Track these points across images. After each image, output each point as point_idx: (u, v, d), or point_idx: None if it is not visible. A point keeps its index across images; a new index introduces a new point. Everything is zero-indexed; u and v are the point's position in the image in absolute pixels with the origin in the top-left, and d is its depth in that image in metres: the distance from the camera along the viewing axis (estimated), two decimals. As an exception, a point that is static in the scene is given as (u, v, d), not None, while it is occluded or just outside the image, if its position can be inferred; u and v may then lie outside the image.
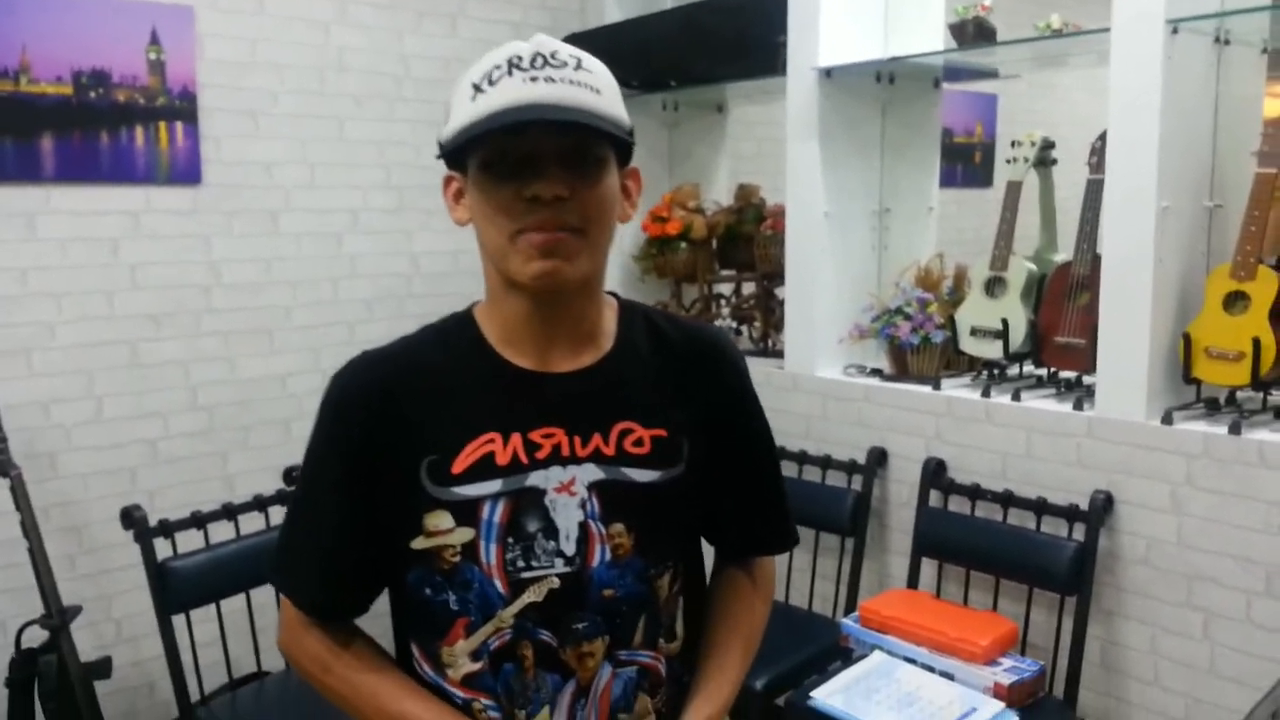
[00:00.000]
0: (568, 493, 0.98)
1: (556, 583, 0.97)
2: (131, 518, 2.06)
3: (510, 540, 0.97)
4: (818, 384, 2.56)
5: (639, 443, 1.01)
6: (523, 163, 0.92)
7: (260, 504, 2.28)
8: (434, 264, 2.99)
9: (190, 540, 2.17)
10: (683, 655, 1.07)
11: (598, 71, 0.96)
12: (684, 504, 1.04)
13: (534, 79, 0.91)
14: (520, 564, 0.97)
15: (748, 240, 2.90)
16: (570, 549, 0.98)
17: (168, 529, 2.12)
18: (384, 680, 1.01)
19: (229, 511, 2.23)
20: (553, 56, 0.93)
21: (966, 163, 4.30)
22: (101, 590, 2.43)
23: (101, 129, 2.46)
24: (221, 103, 2.59)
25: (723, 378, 1.10)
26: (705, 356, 1.09)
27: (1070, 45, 2.29)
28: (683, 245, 2.94)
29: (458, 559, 0.97)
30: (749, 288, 3.00)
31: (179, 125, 2.57)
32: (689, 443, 1.04)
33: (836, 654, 2.13)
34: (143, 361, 2.49)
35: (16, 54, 2.33)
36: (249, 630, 2.21)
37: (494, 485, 0.97)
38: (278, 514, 2.34)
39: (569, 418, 1.00)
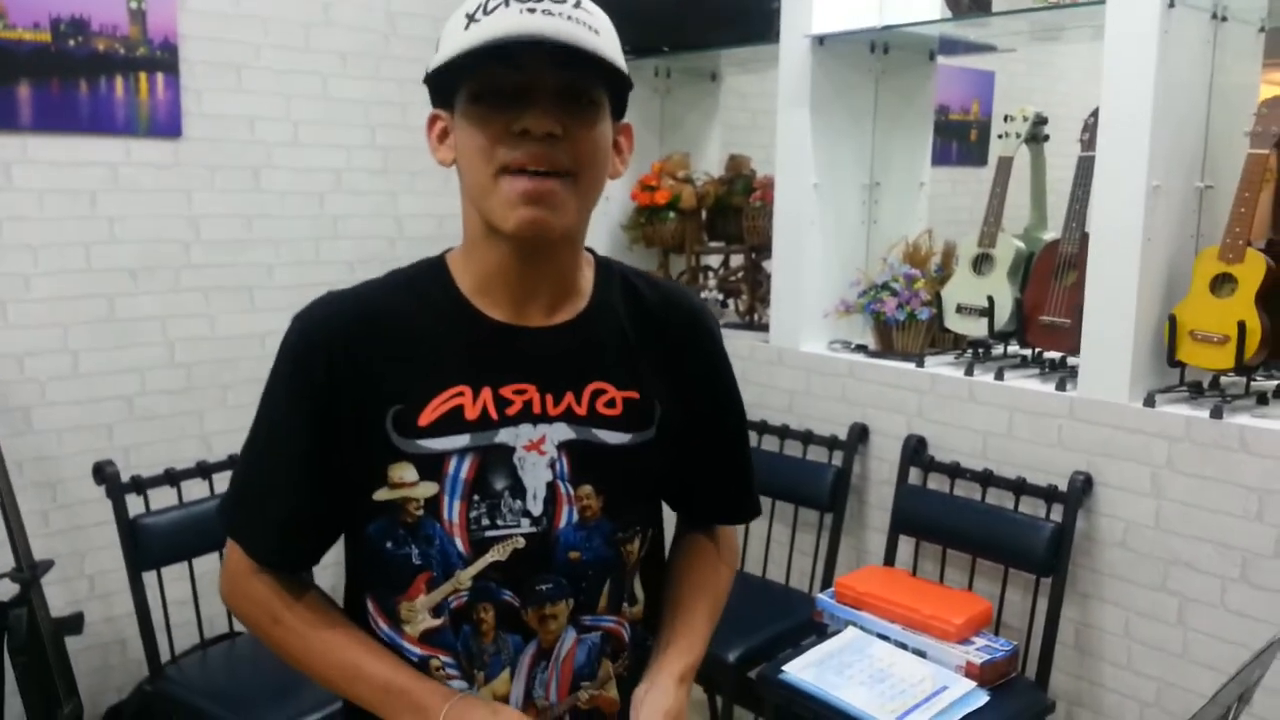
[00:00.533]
0: (537, 451, 0.96)
1: (522, 543, 0.95)
2: (104, 473, 2.04)
3: (475, 498, 0.94)
4: (802, 359, 2.54)
5: (611, 404, 0.98)
6: (514, 95, 0.88)
7: (234, 463, 2.26)
8: (419, 227, 2.95)
9: (164, 497, 2.15)
10: (644, 620, 1.05)
11: (597, 13, 0.92)
12: (653, 468, 1.02)
13: (531, 10, 0.87)
14: (485, 522, 0.94)
15: (737, 212, 2.87)
16: (537, 509, 0.95)
17: (140, 485, 2.11)
18: (337, 634, 0.98)
19: (203, 470, 2.21)
20: None
21: (962, 140, 4.25)
22: (75, 546, 2.40)
23: (80, 78, 2.41)
24: (203, 55, 2.54)
25: (699, 343, 1.08)
26: (682, 322, 1.07)
27: (1066, 18, 2.26)
28: (671, 215, 2.91)
29: (421, 513, 0.94)
30: (737, 260, 2.97)
31: (159, 76, 2.51)
32: (661, 407, 1.01)
33: (811, 629, 2.13)
34: (120, 316, 2.46)
35: (-7, -1, 2.28)
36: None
37: (461, 440, 0.94)
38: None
39: (542, 374, 0.97)
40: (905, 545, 2.27)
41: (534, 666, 0.97)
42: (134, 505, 2.09)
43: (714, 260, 3.05)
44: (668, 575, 1.10)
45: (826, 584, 2.33)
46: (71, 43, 2.40)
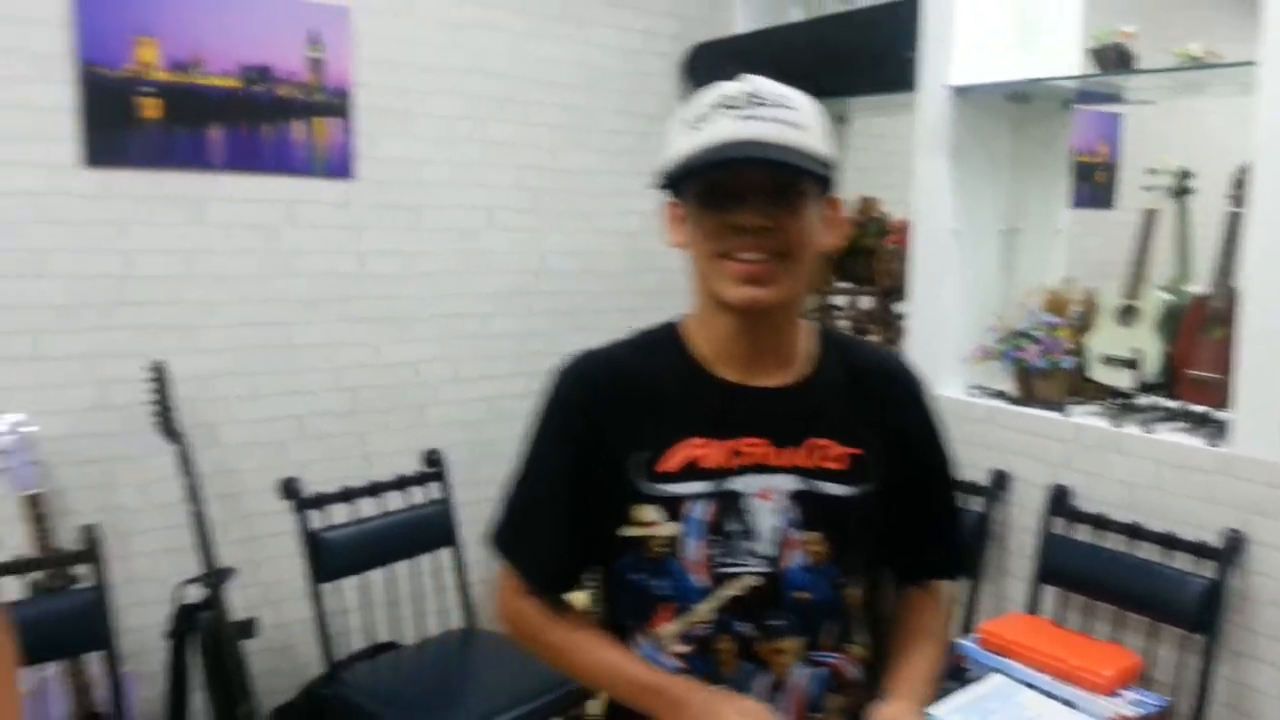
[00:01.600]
0: (768, 499, 1.07)
1: (755, 581, 1.06)
2: (291, 489, 2.21)
3: (713, 538, 1.06)
4: (940, 403, 2.57)
5: (837, 459, 1.09)
6: (730, 194, 1.02)
7: (401, 483, 2.42)
8: (560, 263, 3.09)
9: (335, 513, 2.31)
10: (869, 662, 1.14)
11: (802, 108, 1.04)
12: (873, 519, 1.12)
13: (747, 118, 1.01)
14: (722, 561, 1.06)
15: (868, 253, 2.93)
16: (767, 551, 1.06)
17: (320, 501, 2.27)
18: (596, 644, 1.12)
19: (374, 489, 2.37)
20: (762, 96, 1.03)
21: (1088, 182, 4.23)
22: (251, 555, 2.59)
23: (264, 122, 2.62)
24: (374, 101, 2.73)
25: (910, 403, 1.19)
26: (893, 381, 1.18)
27: (1214, 76, 2.27)
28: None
29: (663, 550, 1.06)
30: (864, 301, 3.03)
31: (335, 121, 2.71)
32: (878, 463, 1.12)
33: (952, 675, 2.16)
34: (294, 343, 2.65)
35: (192, 48, 2.50)
36: (384, 602, 2.35)
37: (700, 486, 1.06)
38: (417, 494, 2.48)
39: (772, 429, 1.08)
40: (1047, 595, 2.29)
41: (770, 697, 1.07)
42: (311, 520, 2.26)
43: (839, 300, 3.11)
44: (892, 628, 1.19)
45: (966, 629, 2.36)
46: (258, 89, 2.61)
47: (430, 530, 2.45)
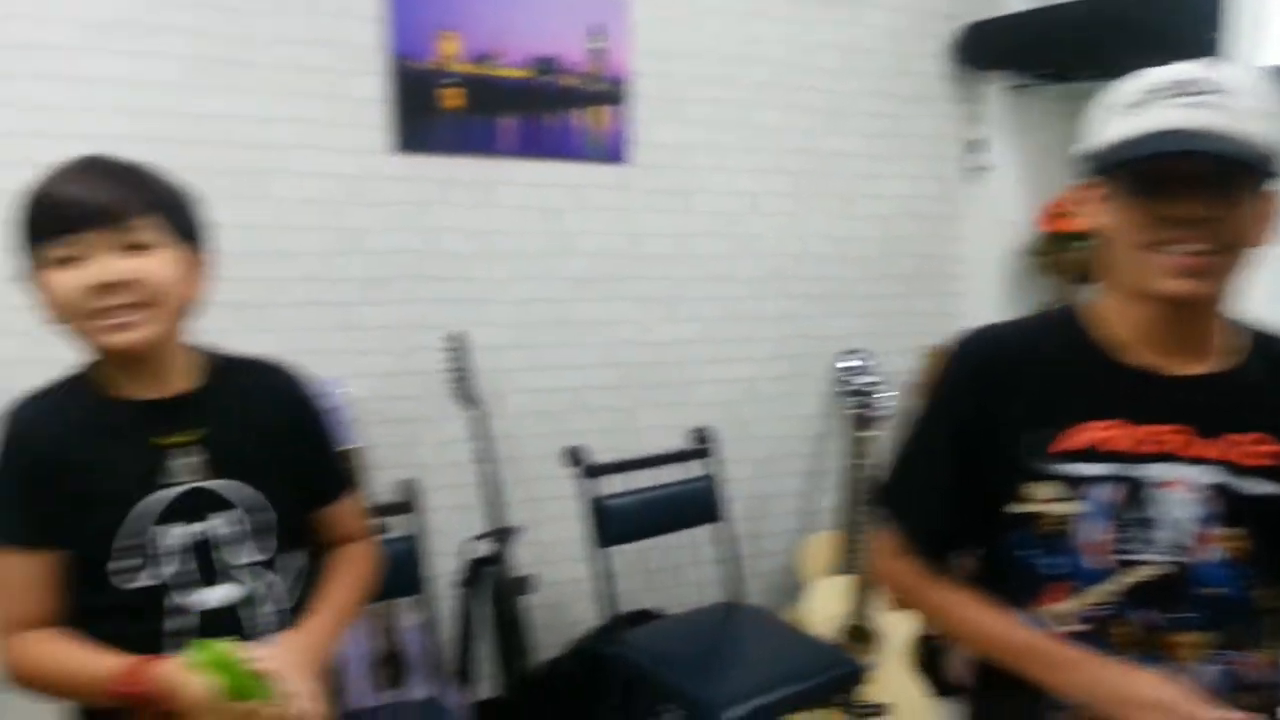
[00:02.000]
0: (1181, 489, 1.04)
1: (1161, 571, 1.04)
2: (577, 457, 2.35)
3: (1118, 522, 1.04)
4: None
5: (1268, 455, 1.05)
6: (1165, 185, 0.99)
7: (671, 458, 2.52)
8: (820, 247, 3.10)
9: (610, 483, 2.44)
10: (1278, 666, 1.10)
11: (1246, 94, 1.00)
12: None
13: (1187, 105, 0.98)
14: (1125, 546, 1.04)
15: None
16: (1176, 541, 1.04)
17: (601, 470, 2.39)
18: (974, 608, 1.13)
19: (648, 461, 2.47)
20: (1202, 82, 0.99)
21: None
22: (530, 516, 2.75)
23: (547, 110, 2.77)
24: (648, 88, 2.82)
25: None
26: None
27: None
28: (1082, 243, 2.85)
29: (1057, 528, 1.06)
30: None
31: (612, 108, 2.82)
32: None
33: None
34: (572, 319, 2.80)
35: (489, 41, 2.67)
36: (646, 570, 2.45)
37: (1103, 468, 1.05)
38: (692, 469, 2.57)
39: (1193, 419, 1.05)
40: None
41: None
42: (593, 487, 2.38)
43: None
44: None
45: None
46: (545, 78, 2.75)
47: (698, 505, 2.53)
